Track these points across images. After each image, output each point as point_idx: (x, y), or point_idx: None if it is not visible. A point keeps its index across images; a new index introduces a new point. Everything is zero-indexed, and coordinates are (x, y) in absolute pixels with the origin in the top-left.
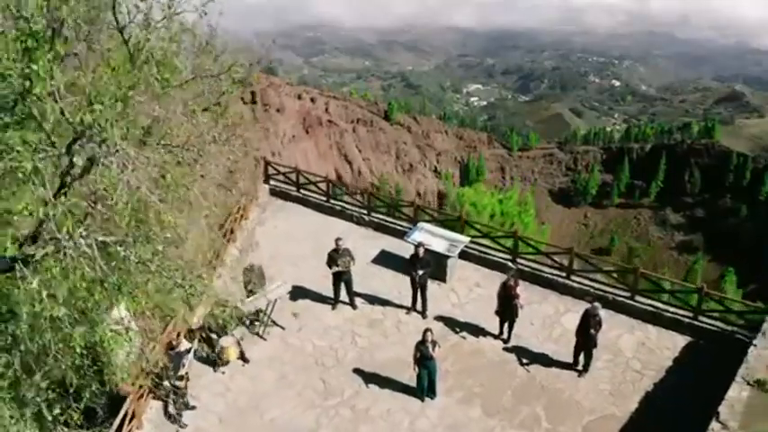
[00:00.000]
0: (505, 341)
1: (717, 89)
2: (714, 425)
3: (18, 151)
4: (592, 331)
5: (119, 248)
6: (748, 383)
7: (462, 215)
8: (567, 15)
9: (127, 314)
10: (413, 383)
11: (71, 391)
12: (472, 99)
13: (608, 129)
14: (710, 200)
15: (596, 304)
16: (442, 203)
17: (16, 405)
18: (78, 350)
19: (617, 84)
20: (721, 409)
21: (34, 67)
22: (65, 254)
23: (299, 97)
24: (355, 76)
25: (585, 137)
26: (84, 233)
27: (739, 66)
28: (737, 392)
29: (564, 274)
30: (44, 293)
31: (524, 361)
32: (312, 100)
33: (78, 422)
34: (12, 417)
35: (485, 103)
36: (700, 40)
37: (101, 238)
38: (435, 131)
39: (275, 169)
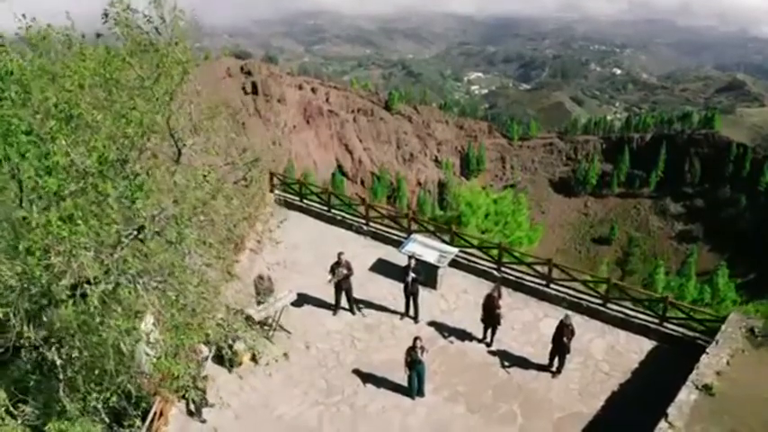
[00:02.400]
0: (488, 345)
1: (718, 78)
2: (662, 424)
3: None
4: (565, 339)
5: (170, 294)
6: (697, 387)
7: (453, 227)
8: (568, 2)
9: (153, 327)
10: (405, 383)
11: (132, 401)
12: (473, 87)
13: (609, 118)
14: (710, 190)
15: (569, 314)
16: (442, 193)
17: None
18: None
19: (618, 72)
20: (670, 410)
21: (140, 211)
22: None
23: (300, 87)
24: (356, 64)
25: (586, 126)
26: (141, 277)
27: (740, 54)
28: (686, 395)
29: (544, 283)
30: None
31: (504, 363)
32: (313, 90)
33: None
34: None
35: (486, 91)
36: (701, 28)
37: (154, 284)
38: (436, 121)
39: (279, 180)
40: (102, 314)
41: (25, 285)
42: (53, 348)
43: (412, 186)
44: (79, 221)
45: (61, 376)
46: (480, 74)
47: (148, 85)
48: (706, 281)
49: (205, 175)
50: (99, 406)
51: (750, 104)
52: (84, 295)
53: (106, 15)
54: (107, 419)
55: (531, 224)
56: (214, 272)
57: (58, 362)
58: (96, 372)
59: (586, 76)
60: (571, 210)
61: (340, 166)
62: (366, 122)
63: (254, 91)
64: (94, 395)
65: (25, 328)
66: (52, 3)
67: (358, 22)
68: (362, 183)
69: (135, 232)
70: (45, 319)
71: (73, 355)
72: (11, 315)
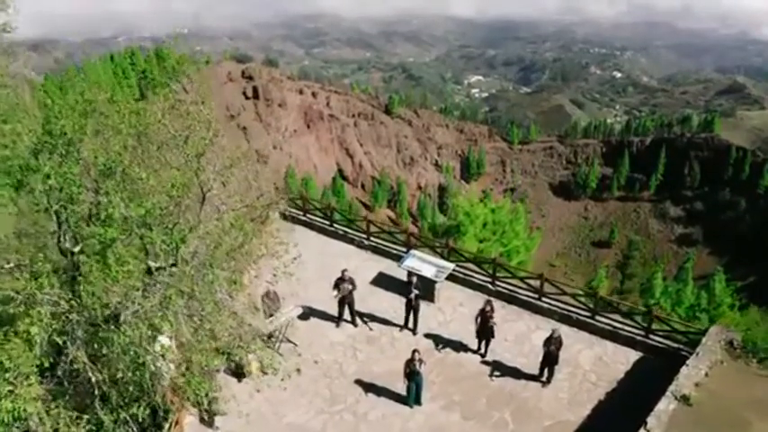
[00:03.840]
0: (483, 356)
1: (718, 80)
2: None
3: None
4: (552, 348)
5: (196, 319)
6: (675, 398)
7: (450, 243)
8: (568, 5)
9: (170, 344)
10: (404, 392)
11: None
12: (473, 90)
13: (609, 121)
14: (710, 193)
15: (555, 328)
16: (442, 197)
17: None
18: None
19: (618, 75)
20: (649, 419)
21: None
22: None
23: (301, 92)
24: (356, 68)
25: (586, 130)
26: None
27: (741, 57)
28: (665, 405)
29: (536, 296)
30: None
31: (497, 373)
32: (313, 94)
33: None
34: None
35: (486, 94)
36: (701, 31)
37: (185, 311)
38: (436, 125)
39: (284, 195)
40: (141, 338)
41: (81, 317)
42: (86, 366)
43: (412, 190)
44: (131, 266)
45: (96, 392)
46: (481, 77)
47: (180, 144)
48: (705, 285)
49: (233, 224)
50: (128, 418)
51: (750, 107)
52: (117, 319)
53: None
54: (135, 429)
55: (529, 232)
56: (237, 302)
57: (93, 379)
58: (131, 388)
59: (586, 79)
60: (571, 213)
61: (341, 171)
62: (366, 126)
63: (255, 95)
64: (132, 409)
65: (78, 352)
66: (52, 4)
67: (358, 25)
68: (363, 187)
69: (170, 266)
70: (96, 344)
71: (118, 376)
72: (68, 342)
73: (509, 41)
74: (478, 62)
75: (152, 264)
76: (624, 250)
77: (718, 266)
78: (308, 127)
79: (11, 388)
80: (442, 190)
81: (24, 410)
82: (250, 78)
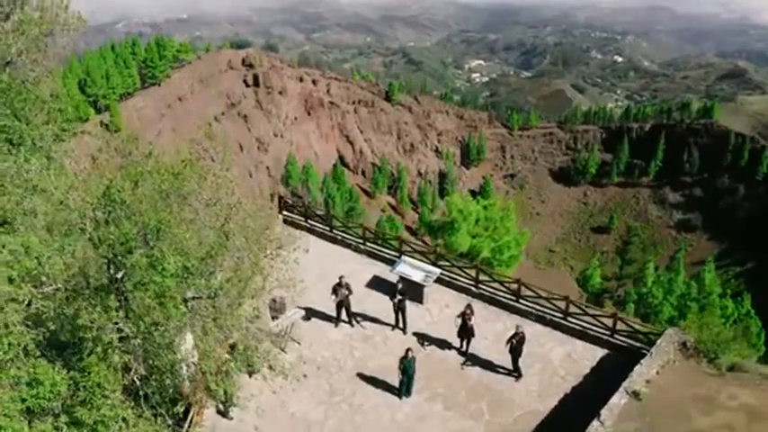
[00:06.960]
0: (464, 353)
1: (719, 65)
2: (594, 423)
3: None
4: (514, 342)
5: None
6: (627, 393)
7: (438, 249)
8: None
9: (193, 347)
10: (395, 385)
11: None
12: (474, 75)
13: (610, 105)
14: (709, 179)
15: (519, 324)
16: (442, 183)
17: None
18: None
19: (619, 59)
20: (602, 411)
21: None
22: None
23: (301, 79)
24: (357, 52)
25: (585, 115)
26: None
27: (742, 41)
28: (618, 399)
29: (514, 298)
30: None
31: (477, 368)
32: (314, 82)
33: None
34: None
35: (486, 79)
36: (702, 15)
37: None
38: (436, 111)
39: (287, 202)
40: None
41: (141, 342)
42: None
43: (413, 177)
44: (180, 305)
45: (141, 393)
46: (481, 61)
47: (211, 204)
48: (694, 275)
49: (254, 271)
50: (164, 413)
51: (751, 92)
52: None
53: (184, 164)
54: (169, 421)
55: (524, 221)
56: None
57: (138, 382)
58: (170, 390)
59: (588, 64)
60: (571, 199)
61: (341, 157)
62: (367, 113)
63: (256, 83)
64: (172, 407)
65: (139, 367)
66: None
67: (358, 9)
68: (363, 173)
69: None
70: (151, 360)
71: (166, 383)
72: (131, 360)
73: (510, 26)
74: (479, 47)
75: (189, 294)
76: (623, 236)
77: (712, 255)
78: (309, 114)
79: (108, 401)
80: (443, 176)
81: (117, 415)
82: (250, 66)
